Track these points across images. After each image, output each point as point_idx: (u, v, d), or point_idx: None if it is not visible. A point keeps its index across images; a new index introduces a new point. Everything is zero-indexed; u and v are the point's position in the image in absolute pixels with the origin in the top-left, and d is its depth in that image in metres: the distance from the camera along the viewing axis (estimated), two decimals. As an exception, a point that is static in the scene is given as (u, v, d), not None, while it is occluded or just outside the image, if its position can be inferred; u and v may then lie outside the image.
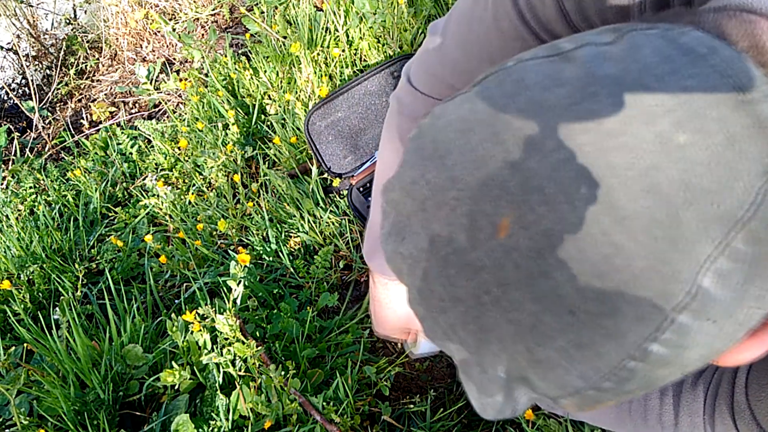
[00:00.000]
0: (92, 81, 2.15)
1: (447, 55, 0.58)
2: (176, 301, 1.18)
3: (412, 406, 0.97)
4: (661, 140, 0.25)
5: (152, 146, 1.65)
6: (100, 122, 1.94)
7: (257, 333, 1.01)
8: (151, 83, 1.92)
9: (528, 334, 0.28)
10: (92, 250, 1.35)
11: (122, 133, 1.73)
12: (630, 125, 0.25)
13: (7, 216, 1.46)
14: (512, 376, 0.30)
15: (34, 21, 2.15)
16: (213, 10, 2.13)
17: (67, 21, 2.28)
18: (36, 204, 1.53)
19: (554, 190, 0.26)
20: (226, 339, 0.90)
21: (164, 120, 1.82)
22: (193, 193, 1.40)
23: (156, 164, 1.58)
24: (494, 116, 0.29)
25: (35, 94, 2.00)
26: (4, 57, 2.18)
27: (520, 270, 0.27)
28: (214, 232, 1.31)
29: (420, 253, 0.31)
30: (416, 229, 0.31)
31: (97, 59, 2.20)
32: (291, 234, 1.24)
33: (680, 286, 0.25)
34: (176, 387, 0.94)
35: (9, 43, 2.16)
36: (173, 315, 0.97)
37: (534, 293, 0.27)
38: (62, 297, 1.17)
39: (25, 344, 1.06)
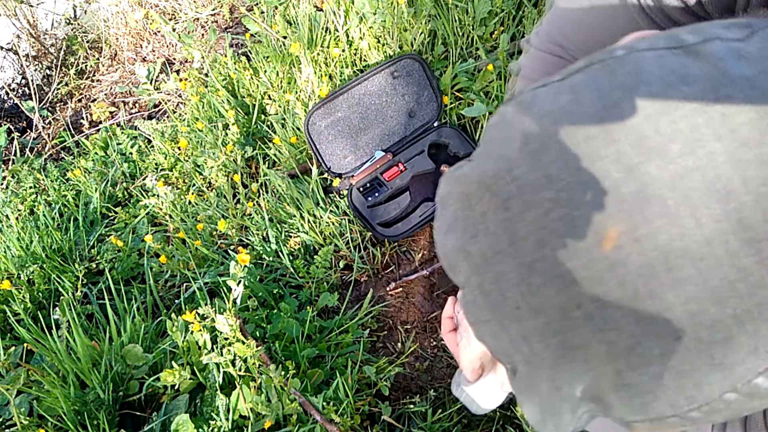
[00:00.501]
0: (92, 81, 2.15)
1: (560, 14, 0.55)
2: (176, 301, 1.18)
3: (412, 406, 0.97)
4: None
5: (152, 146, 1.65)
6: (100, 122, 1.94)
7: (257, 333, 1.01)
8: (151, 83, 1.92)
9: (622, 356, 0.25)
10: (92, 250, 1.35)
11: (122, 133, 1.73)
12: None
13: (7, 216, 1.46)
14: (589, 396, 0.28)
15: (34, 21, 2.15)
16: (213, 10, 2.13)
17: (67, 21, 2.28)
18: (36, 204, 1.53)
19: (677, 201, 0.23)
20: (226, 339, 0.90)
21: (164, 120, 1.82)
22: (193, 193, 1.40)
23: (156, 164, 1.58)
24: (605, 111, 0.25)
25: (35, 94, 2.00)
26: (4, 57, 2.18)
27: (624, 288, 0.24)
28: (214, 232, 1.31)
29: (495, 255, 0.28)
30: (493, 228, 0.28)
31: (97, 59, 2.20)
32: (291, 234, 1.24)
33: None
34: (176, 387, 0.94)
35: (9, 43, 2.16)
36: (173, 315, 0.97)
37: (637, 314, 0.24)
38: (62, 297, 1.17)
39: (25, 344, 1.06)
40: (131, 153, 1.63)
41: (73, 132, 1.94)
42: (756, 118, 0.22)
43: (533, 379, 0.30)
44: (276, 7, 1.74)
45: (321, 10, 1.57)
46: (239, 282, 0.98)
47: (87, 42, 2.24)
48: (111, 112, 1.97)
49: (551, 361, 0.28)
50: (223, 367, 0.91)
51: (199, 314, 0.91)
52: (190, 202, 1.36)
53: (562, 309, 0.26)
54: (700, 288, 0.23)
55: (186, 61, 2.03)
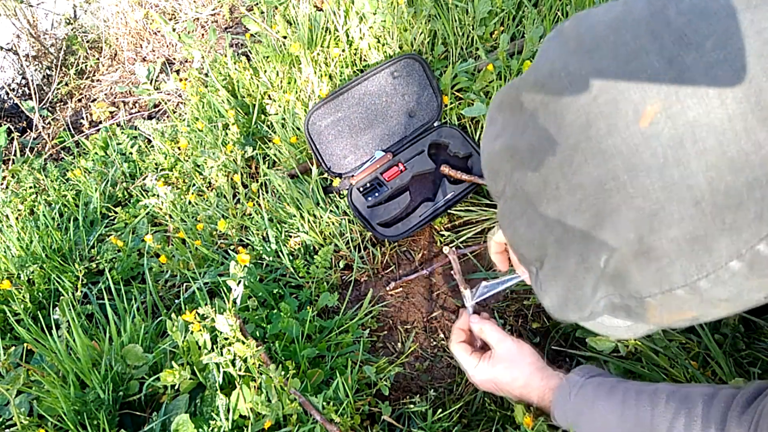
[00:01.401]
0: (92, 81, 2.15)
1: None
2: (176, 301, 1.18)
3: (412, 406, 0.97)
4: None
5: (152, 146, 1.65)
6: (100, 122, 1.94)
7: (257, 333, 1.01)
8: (151, 83, 1.92)
9: (646, 221, 0.29)
10: (92, 250, 1.35)
11: (122, 133, 1.73)
12: None
13: (7, 216, 1.46)
14: (611, 268, 0.32)
15: (34, 21, 2.15)
16: (213, 10, 2.13)
17: (67, 21, 2.28)
18: (36, 204, 1.53)
19: (707, 84, 0.27)
20: (226, 339, 0.90)
21: (164, 120, 1.82)
22: (193, 193, 1.40)
23: (156, 164, 1.58)
24: (652, 16, 0.30)
25: (35, 94, 2.00)
26: (4, 57, 2.17)
27: (656, 157, 0.28)
28: (214, 232, 1.31)
29: (543, 142, 0.32)
30: (542, 120, 0.33)
31: (97, 59, 2.20)
32: (291, 234, 1.24)
33: None
34: (176, 387, 0.94)
35: (9, 43, 2.16)
36: (173, 315, 0.97)
37: (664, 181, 0.28)
38: (62, 297, 1.17)
39: (25, 344, 1.06)
40: (131, 153, 1.63)
41: (73, 132, 1.94)
42: None
43: (561, 259, 0.34)
44: (276, 7, 1.74)
45: (321, 10, 1.57)
46: (239, 282, 0.98)
47: (87, 42, 2.24)
48: (111, 112, 1.97)
49: (582, 233, 0.32)
50: (223, 367, 0.91)
51: (199, 314, 0.91)
52: (190, 202, 1.36)
53: (599, 182, 0.30)
54: (720, 157, 0.27)
55: (186, 61, 2.03)
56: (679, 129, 0.28)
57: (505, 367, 0.80)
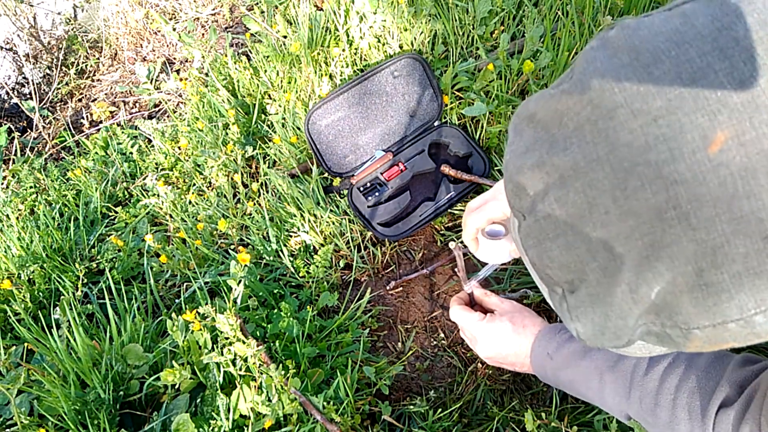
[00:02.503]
0: (92, 81, 2.15)
1: None
2: (177, 300, 1.18)
3: (412, 406, 0.97)
4: None
5: (152, 146, 1.65)
6: (101, 122, 1.94)
7: (257, 332, 1.01)
8: (151, 83, 1.92)
9: (708, 255, 0.28)
10: (93, 250, 1.35)
11: (122, 132, 1.73)
12: None
13: (7, 216, 1.46)
14: (661, 298, 0.30)
15: (34, 20, 2.15)
16: (213, 9, 2.13)
17: (67, 20, 2.28)
18: (36, 204, 1.53)
19: None
20: (227, 338, 0.90)
21: (164, 119, 1.82)
22: (193, 193, 1.40)
23: (156, 164, 1.58)
24: (719, 32, 0.28)
25: (35, 93, 2.00)
26: (4, 57, 2.18)
27: (725, 188, 0.26)
28: (215, 232, 1.31)
29: (590, 163, 0.30)
30: (590, 138, 0.31)
31: (98, 59, 2.20)
32: (291, 233, 1.24)
33: None
34: (177, 386, 0.94)
35: (9, 43, 2.16)
36: (173, 314, 0.97)
37: (732, 213, 0.26)
38: (63, 297, 1.17)
39: (25, 344, 1.06)
40: (131, 153, 1.63)
41: (73, 132, 1.94)
42: None
43: (604, 286, 0.32)
44: (276, 7, 1.74)
45: (321, 9, 1.57)
46: (239, 281, 0.98)
47: (87, 42, 2.24)
48: (111, 112, 1.97)
49: (633, 263, 0.30)
50: (223, 367, 0.91)
51: (199, 314, 0.91)
52: (190, 202, 1.36)
53: (656, 210, 0.28)
54: None
55: (186, 61, 2.03)
56: (752, 158, 0.26)
57: (509, 317, 0.79)
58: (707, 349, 0.31)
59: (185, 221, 1.33)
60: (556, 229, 0.33)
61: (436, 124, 1.35)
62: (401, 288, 1.18)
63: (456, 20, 1.41)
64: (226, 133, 1.47)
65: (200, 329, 0.93)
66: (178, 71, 1.99)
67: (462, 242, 1.14)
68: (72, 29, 2.27)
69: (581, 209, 0.31)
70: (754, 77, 0.26)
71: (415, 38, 1.43)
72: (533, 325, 0.78)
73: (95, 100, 2.07)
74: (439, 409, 0.96)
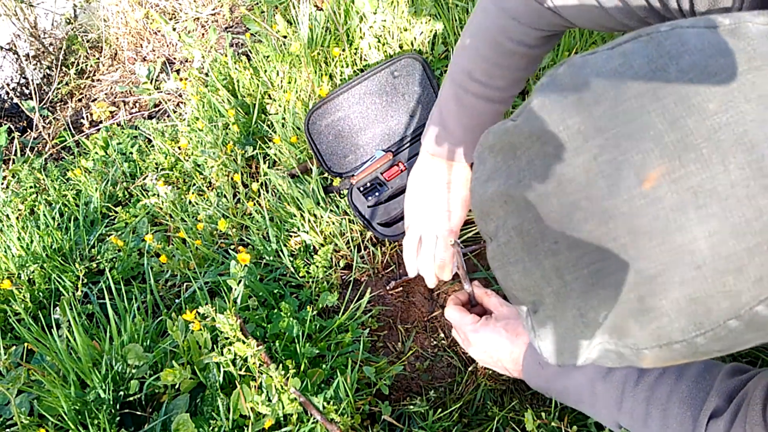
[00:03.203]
0: (92, 80, 2.15)
1: None
2: (177, 300, 1.18)
3: (412, 406, 0.97)
4: None
5: (152, 146, 1.65)
6: (101, 122, 1.94)
7: (258, 332, 1.01)
8: (151, 83, 1.92)
9: (648, 283, 0.29)
10: (93, 250, 1.35)
11: (122, 132, 1.73)
12: None
13: (7, 215, 1.46)
14: (609, 323, 0.32)
15: (34, 20, 2.15)
16: (213, 9, 2.13)
17: (67, 21, 2.28)
18: (36, 203, 1.53)
19: (710, 150, 0.27)
20: (227, 338, 0.90)
21: (164, 119, 1.82)
22: (193, 193, 1.40)
23: (156, 164, 1.58)
24: (653, 73, 0.30)
25: (35, 93, 2.00)
26: (4, 57, 2.18)
27: (658, 222, 0.28)
28: (215, 232, 1.31)
29: (539, 196, 0.32)
30: (539, 172, 0.32)
31: (98, 59, 2.20)
32: (291, 233, 1.24)
33: None
34: (177, 386, 0.94)
35: (9, 43, 2.16)
36: (173, 314, 0.97)
37: (667, 245, 0.28)
38: (63, 296, 1.17)
39: (25, 344, 1.06)
40: (131, 152, 1.63)
41: (73, 132, 1.94)
42: None
43: (558, 310, 0.34)
44: (276, 7, 1.74)
45: (321, 9, 1.57)
46: (239, 281, 0.98)
47: (87, 42, 2.24)
48: (111, 112, 1.97)
49: (581, 289, 0.32)
50: (223, 367, 0.91)
51: (199, 314, 0.91)
52: (190, 202, 1.36)
53: (599, 241, 0.30)
54: (722, 223, 0.27)
55: (186, 61, 2.03)
56: (682, 194, 0.28)
57: (503, 324, 0.79)
58: (660, 365, 0.33)
59: (185, 221, 1.33)
60: (515, 255, 0.35)
61: (436, 124, 1.35)
62: (401, 288, 1.18)
63: (456, 20, 1.41)
64: (226, 133, 1.47)
65: (200, 329, 0.93)
66: (178, 71, 1.99)
67: (461, 242, 1.15)
68: (72, 29, 2.27)
69: (535, 238, 0.33)
70: (683, 117, 0.28)
71: (415, 38, 1.43)
72: (526, 334, 0.77)
73: (95, 100, 2.07)
74: (439, 409, 0.96)
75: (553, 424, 0.85)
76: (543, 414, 0.88)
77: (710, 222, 0.27)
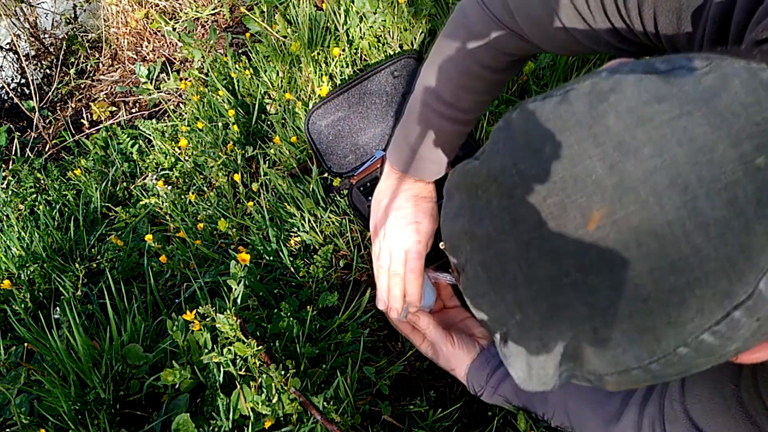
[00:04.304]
0: (92, 80, 2.15)
1: (530, 7, 0.63)
2: (176, 300, 1.18)
3: (412, 406, 0.97)
4: (743, 161, 0.28)
5: (152, 146, 1.65)
6: (101, 122, 1.94)
7: (258, 332, 1.01)
8: (151, 83, 1.92)
9: (599, 316, 0.31)
10: (93, 250, 1.35)
11: (122, 132, 1.73)
12: (718, 144, 0.28)
13: (7, 215, 1.46)
14: (569, 352, 0.34)
15: (34, 20, 2.15)
16: (213, 9, 2.13)
17: (67, 20, 2.28)
18: (36, 203, 1.53)
19: (647, 192, 0.29)
20: (227, 338, 0.90)
21: (164, 119, 1.82)
22: (193, 193, 1.40)
23: (156, 164, 1.58)
24: (593, 120, 0.32)
25: (35, 93, 2.00)
26: (4, 57, 2.18)
27: (604, 260, 0.30)
28: (215, 232, 1.31)
29: (499, 234, 0.35)
30: (498, 212, 0.35)
31: (98, 59, 2.20)
32: (291, 233, 1.24)
33: (743, 287, 0.28)
34: (177, 386, 0.94)
35: (9, 43, 2.16)
36: (173, 314, 0.97)
37: (613, 281, 0.30)
38: (63, 296, 1.17)
39: (25, 344, 1.06)
40: (131, 152, 1.63)
41: (73, 131, 1.94)
42: (709, 131, 0.29)
43: (523, 340, 0.36)
44: (276, 7, 1.74)
45: (321, 9, 1.57)
46: (239, 281, 0.98)
47: (87, 41, 2.24)
48: (111, 112, 1.97)
49: (541, 322, 0.34)
50: (223, 367, 0.91)
51: (199, 314, 0.91)
52: (190, 202, 1.37)
53: (552, 278, 0.32)
54: (662, 260, 0.29)
55: (186, 61, 2.03)
56: (623, 234, 0.30)
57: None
58: (624, 388, 0.35)
59: (185, 221, 1.33)
60: (482, 288, 0.37)
61: (436, 124, 1.34)
62: (401, 288, 1.18)
63: (456, 20, 1.41)
64: (226, 133, 1.47)
65: (200, 329, 0.93)
66: (178, 71, 1.99)
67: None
68: (72, 29, 2.27)
69: (497, 274, 0.35)
70: (622, 162, 0.30)
71: (415, 38, 1.43)
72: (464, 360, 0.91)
73: (95, 100, 2.07)
74: (439, 409, 0.96)
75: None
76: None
77: (651, 259, 0.29)
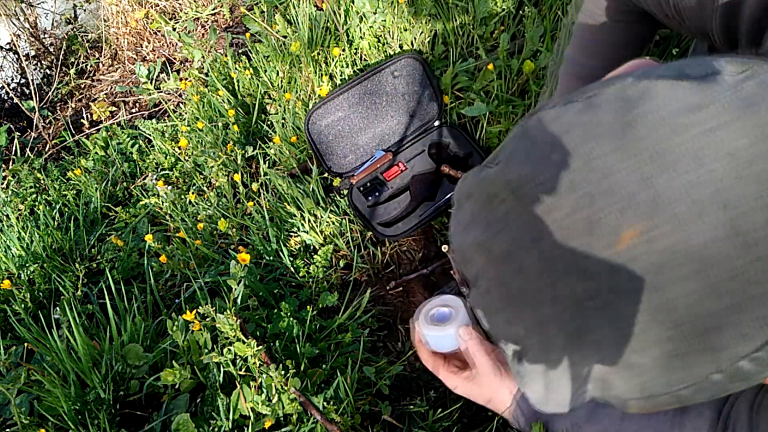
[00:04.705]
0: (92, 80, 2.15)
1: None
2: (177, 300, 1.18)
3: (412, 406, 0.97)
4: None
5: (152, 146, 1.65)
6: (101, 122, 1.94)
7: (258, 332, 1.01)
8: (151, 83, 1.92)
9: (628, 341, 0.29)
10: (93, 250, 1.35)
11: (123, 132, 1.73)
12: (759, 158, 0.26)
13: (7, 215, 1.46)
14: (593, 375, 0.32)
15: (34, 20, 2.15)
16: (213, 9, 2.13)
17: (67, 20, 2.28)
18: (36, 203, 1.53)
19: (684, 209, 0.27)
20: (227, 338, 0.90)
21: (164, 119, 1.82)
22: (193, 193, 1.40)
23: (156, 164, 1.58)
24: (623, 129, 0.29)
25: (35, 93, 2.00)
26: (4, 57, 2.17)
27: (635, 282, 0.28)
28: (215, 232, 1.31)
29: (519, 250, 0.32)
30: (516, 226, 0.32)
31: (98, 59, 2.20)
32: (291, 233, 1.24)
33: None
34: (177, 386, 0.94)
35: (9, 43, 2.16)
36: (173, 314, 0.97)
37: (645, 305, 0.28)
38: (63, 296, 1.17)
39: (25, 344, 1.06)
40: (131, 152, 1.63)
41: (73, 131, 1.94)
42: (749, 144, 0.26)
43: (543, 360, 0.33)
44: (276, 7, 1.74)
45: (321, 9, 1.57)
46: (239, 281, 0.98)
47: (87, 41, 2.24)
48: (111, 112, 1.97)
49: (564, 344, 0.31)
50: (223, 367, 0.91)
51: (199, 313, 0.91)
52: (190, 202, 1.36)
53: (579, 299, 0.30)
54: (700, 284, 0.27)
55: (186, 61, 2.03)
56: (657, 254, 0.27)
57: (487, 379, 0.70)
58: (647, 412, 0.34)
59: (185, 221, 1.33)
60: (497, 304, 0.34)
61: (436, 124, 1.35)
62: (401, 288, 1.18)
63: (456, 20, 1.41)
64: (226, 133, 1.47)
65: (200, 329, 0.93)
66: (178, 71, 1.99)
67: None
68: (72, 29, 2.27)
69: (515, 291, 0.32)
70: (655, 176, 0.27)
71: (415, 38, 1.43)
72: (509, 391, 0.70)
73: (95, 100, 2.07)
74: (439, 409, 0.96)
75: None
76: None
77: (687, 283, 0.27)
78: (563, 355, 0.32)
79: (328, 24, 1.51)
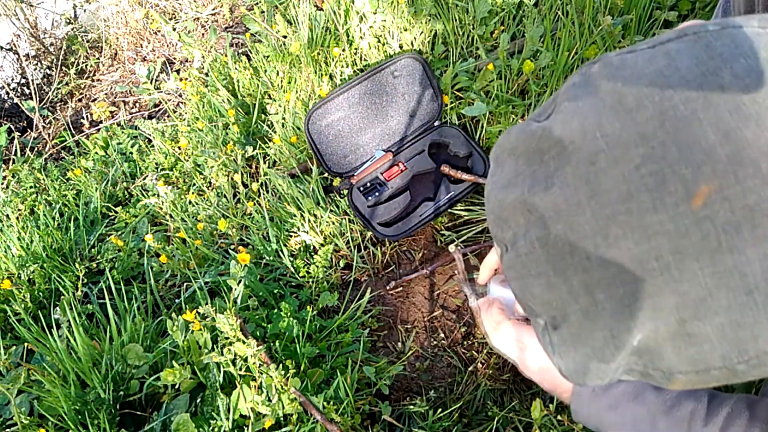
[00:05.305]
0: (92, 80, 2.15)
1: None
2: (177, 300, 1.18)
3: (412, 406, 0.97)
4: None
5: (152, 146, 1.65)
6: (101, 122, 1.94)
7: (258, 332, 1.01)
8: (151, 83, 1.92)
9: (690, 307, 0.27)
10: (93, 250, 1.35)
11: (122, 132, 1.73)
12: None
13: (7, 215, 1.46)
14: (642, 346, 0.30)
15: (34, 20, 2.15)
16: (213, 9, 2.13)
17: (68, 21, 2.28)
18: (36, 203, 1.53)
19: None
20: (227, 338, 0.90)
21: (164, 119, 1.82)
22: (193, 193, 1.40)
23: (156, 164, 1.58)
24: (704, 77, 0.27)
25: (35, 93, 2.00)
26: (4, 57, 2.18)
27: (708, 241, 0.26)
28: (215, 232, 1.31)
29: (571, 207, 0.29)
30: (572, 181, 0.29)
31: (98, 59, 2.20)
32: (291, 233, 1.24)
33: None
34: (177, 386, 0.94)
35: (9, 43, 2.16)
36: (173, 314, 0.97)
37: (716, 267, 0.26)
38: (63, 296, 1.17)
39: (25, 344, 1.06)
40: (131, 152, 1.63)
41: (73, 131, 1.94)
42: None
43: (585, 328, 0.31)
44: (276, 7, 1.74)
45: (321, 9, 1.57)
46: (239, 281, 0.98)
47: (87, 42, 2.24)
48: (111, 112, 1.97)
49: (614, 309, 0.29)
50: (223, 367, 0.91)
51: (199, 314, 0.91)
52: (190, 202, 1.36)
53: (638, 260, 0.27)
54: None
55: (186, 61, 2.03)
56: (736, 213, 0.25)
57: None
58: (690, 388, 0.31)
59: (185, 221, 1.33)
60: (537, 267, 0.32)
61: (436, 124, 1.35)
62: (401, 288, 1.18)
63: (456, 20, 1.41)
64: (226, 133, 1.47)
65: (200, 329, 0.93)
66: (178, 71, 1.99)
67: (461, 244, 1.14)
68: (72, 29, 2.27)
69: (562, 252, 0.30)
70: (739, 128, 0.25)
71: (415, 38, 1.43)
72: None
73: (95, 100, 2.07)
74: (439, 409, 0.96)
75: (559, 417, 0.85)
76: (550, 405, 0.88)
77: (766, 244, 0.25)
78: (612, 321, 0.30)
79: (328, 24, 1.51)
